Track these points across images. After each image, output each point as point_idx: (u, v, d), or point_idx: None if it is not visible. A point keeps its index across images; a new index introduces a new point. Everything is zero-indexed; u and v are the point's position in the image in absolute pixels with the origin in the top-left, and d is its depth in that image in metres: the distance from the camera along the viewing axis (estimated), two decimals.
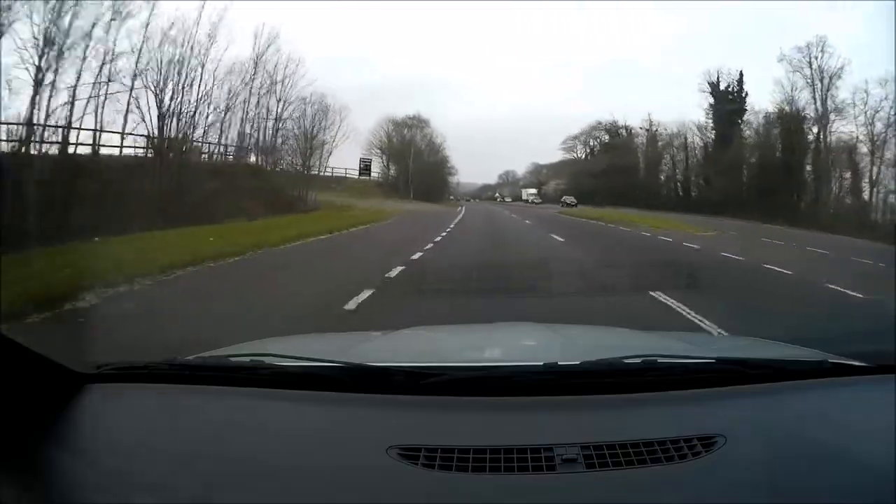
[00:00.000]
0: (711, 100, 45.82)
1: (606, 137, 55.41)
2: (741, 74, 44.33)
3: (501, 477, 1.12)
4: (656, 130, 51.85)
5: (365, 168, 46.69)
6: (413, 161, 47.73)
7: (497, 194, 64.00)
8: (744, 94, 44.88)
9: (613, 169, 49.52)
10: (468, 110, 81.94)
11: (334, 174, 42.35)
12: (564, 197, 48.79)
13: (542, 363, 1.44)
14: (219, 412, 1.36)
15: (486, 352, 2.06)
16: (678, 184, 49.57)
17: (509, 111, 79.42)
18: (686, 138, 48.09)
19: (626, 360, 1.50)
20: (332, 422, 1.31)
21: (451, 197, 52.61)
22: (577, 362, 1.51)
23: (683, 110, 73.67)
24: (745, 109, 44.28)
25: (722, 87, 45.13)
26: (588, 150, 57.80)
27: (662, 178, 51.51)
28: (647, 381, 1.44)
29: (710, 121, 45.84)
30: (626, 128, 54.30)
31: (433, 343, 2.20)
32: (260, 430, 1.28)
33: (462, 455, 1.15)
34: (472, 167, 76.83)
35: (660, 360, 1.48)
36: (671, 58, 73.40)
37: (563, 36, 77.81)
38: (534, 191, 58.48)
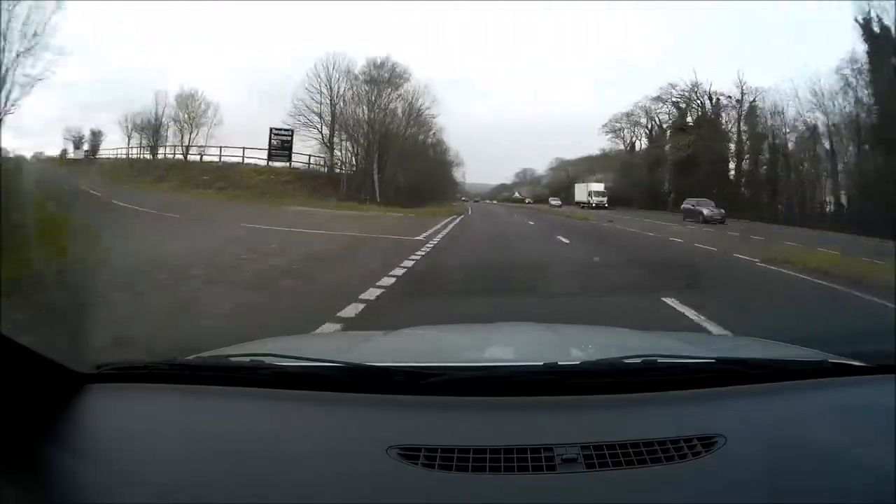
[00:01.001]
0: (865, 46, 26.93)
1: (675, 112, 36.24)
2: None
3: (501, 477, 1.12)
4: (754, 100, 31.90)
5: (281, 147, 26.44)
6: (385, 138, 28.49)
7: (517, 193, 49.31)
8: None
9: (689, 160, 32.26)
10: (471, 109, 79.83)
11: (222, 159, 26.51)
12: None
13: (542, 363, 1.44)
14: (219, 412, 1.36)
15: (487, 352, 2.06)
16: (822, 186, 29.10)
17: (518, 108, 75.47)
18: (856, 101, 26.87)
19: (626, 360, 1.50)
20: (332, 422, 1.31)
21: (463, 198, 40.69)
22: (577, 362, 1.51)
23: (796, 65, 50.39)
24: None
25: (879, 26, 25.83)
26: (647, 132, 38.57)
27: (762, 171, 32.18)
28: (647, 381, 1.44)
29: (868, 80, 26.69)
30: (712, 96, 33.84)
31: (433, 343, 2.20)
32: (260, 430, 1.28)
33: (462, 455, 1.15)
34: (484, 167, 72.24)
35: (660, 360, 1.48)
36: None
37: (570, 24, 75.77)
38: (600, 187, 37.69)
